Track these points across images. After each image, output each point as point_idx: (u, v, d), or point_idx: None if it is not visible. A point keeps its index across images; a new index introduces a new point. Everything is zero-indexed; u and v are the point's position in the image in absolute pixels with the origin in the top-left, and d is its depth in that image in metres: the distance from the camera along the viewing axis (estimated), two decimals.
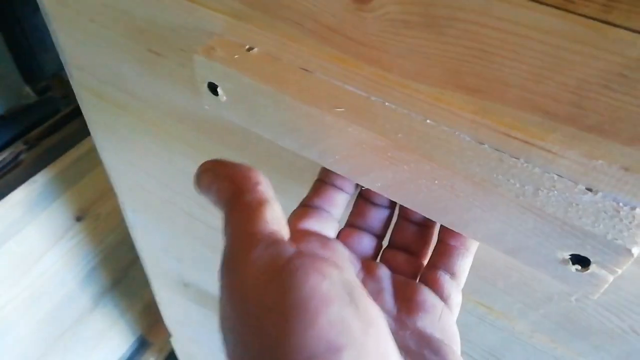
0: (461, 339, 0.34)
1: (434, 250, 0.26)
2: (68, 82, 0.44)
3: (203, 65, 0.27)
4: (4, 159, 0.82)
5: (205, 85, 0.28)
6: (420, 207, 0.25)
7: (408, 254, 0.26)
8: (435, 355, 0.21)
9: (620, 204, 0.21)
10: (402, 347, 0.20)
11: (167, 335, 0.95)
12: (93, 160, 0.88)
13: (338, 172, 0.26)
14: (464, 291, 0.31)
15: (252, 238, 0.18)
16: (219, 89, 0.28)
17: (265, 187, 0.20)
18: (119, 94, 0.40)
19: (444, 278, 0.24)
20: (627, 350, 0.27)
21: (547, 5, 0.18)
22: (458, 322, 0.33)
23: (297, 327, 0.15)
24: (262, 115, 0.27)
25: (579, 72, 0.19)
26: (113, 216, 1.00)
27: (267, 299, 0.16)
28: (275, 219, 0.19)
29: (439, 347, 0.21)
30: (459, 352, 0.22)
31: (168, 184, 0.48)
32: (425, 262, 0.26)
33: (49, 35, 0.40)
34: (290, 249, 0.18)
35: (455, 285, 0.24)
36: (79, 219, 0.95)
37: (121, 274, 1.11)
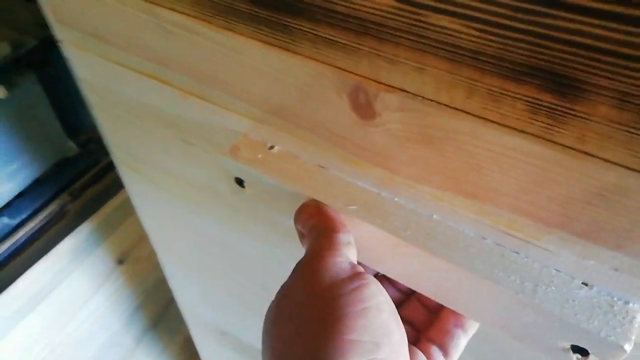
0: None
1: (433, 325, 0.27)
2: None
3: (230, 164, 0.30)
4: (52, 211, 0.88)
5: (233, 179, 0.31)
6: (430, 293, 0.27)
7: (411, 326, 0.28)
8: None
9: (615, 299, 0.23)
10: None
11: None
12: (132, 206, 0.93)
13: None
14: None
15: (338, 250, 0.23)
16: (244, 183, 0.31)
17: (350, 235, 0.25)
18: (153, 171, 0.44)
19: (436, 353, 0.26)
20: None
21: (529, 134, 0.20)
22: None
23: (353, 315, 0.20)
24: (283, 206, 0.30)
25: (563, 190, 0.21)
26: (153, 257, 1.05)
27: (336, 291, 0.21)
28: (353, 257, 0.24)
29: None
30: None
31: (201, 247, 0.51)
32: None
33: None
34: (360, 268, 0.23)
35: None
36: (120, 262, 1.00)
37: (162, 311, 1.16)
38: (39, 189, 0.91)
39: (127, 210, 0.95)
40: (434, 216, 0.26)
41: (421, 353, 0.26)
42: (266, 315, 0.23)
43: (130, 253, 1.01)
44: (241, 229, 0.42)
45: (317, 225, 0.26)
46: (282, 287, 0.24)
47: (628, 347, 0.21)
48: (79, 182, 0.93)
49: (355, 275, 0.22)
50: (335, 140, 0.27)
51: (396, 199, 0.27)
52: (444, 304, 0.27)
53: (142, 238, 1.01)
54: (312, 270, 0.23)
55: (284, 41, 0.25)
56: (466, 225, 0.25)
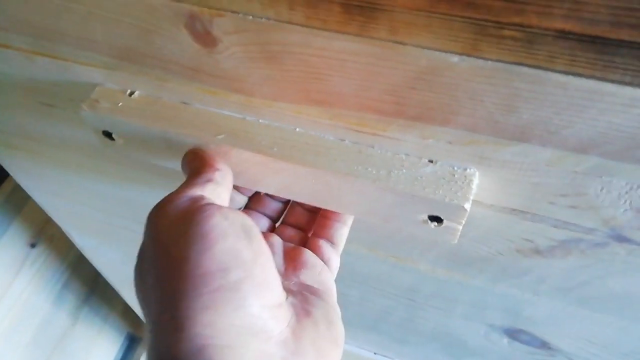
0: (385, 284, 0.40)
1: (317, 224, 0.30)
2: None
3: (92, 117, 0.30)
4: None
5: (100, 133, 0.31)
6: (305, 199, 0.29)
7: (297, 229, 0.31)
8: (311, 294, 0.26)
9: (455, 168, 0.26)
10: (286, 289, 0.25)
11: None
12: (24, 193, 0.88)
13: (235, 186, 0.30)
14: (376, 249, 0.37)
15: (181, 192, 0.24)
16: (113, 135, 0.31)
17: (220, 174, 0.26)
18: (25, 141, 0.42)
19: (325, 245, 0.29)
20: (500, 268, 0.33)
21: (350, 34, 0.22)
22: (380, 272, 0.39)
23: (196, 252, 0.21)
24: (157, 150, 0.31)
25: (390, 80, 0.23)
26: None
27: (178, 232, 0.22)
28: (210, 193, 0.25)
29: (315, 291, 0.27)
30: (333, 300, 0.27)
31: (103, 209, 0.50)
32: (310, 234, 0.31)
33: None
34: (206, 201, 0.24)
35: (335, 252, 0.29)
36: (33, 245, 0.96)
37: (92, 284, 1.14)
38: None
39: (22, 194, 0.90)
40: (297, 129, 0.28)
41: (309, 251, 0.29)
42: (134, 270, 0.24)
43: (41, 234, 0.97)
44: (131, 181, 0.42)
45: (189, 171, 0.27)
46: (143, 238, 0.24)
47: (467, 206, 0.25)
48: None
49: (194, 211, 0.23)
50: (189, 74, 0.27)
51: (260, 120, 0.29)
52: (318, 206, 0.29)
53: (49, 218, 0.97)
54: (156, 216, 0.24)
55: None
56: (325, 132, 0.27)
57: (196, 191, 0.24)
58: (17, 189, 0.89)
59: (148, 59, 0.28)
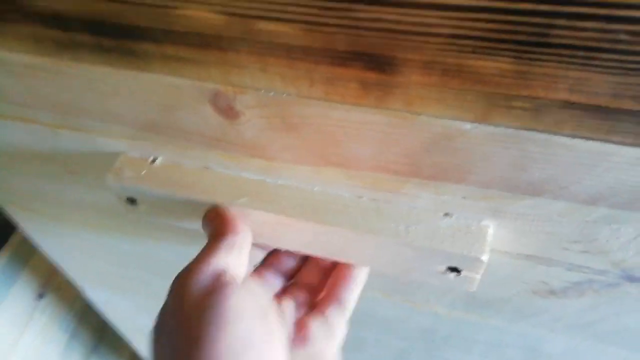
0: (401, 327, 0.40)
1: (329, 284, 0.31)
2: None
3: (117, 186, 0.31)
4: None
5: (124, 200, 0.32)
6: (325, 255, 0.30)
7: (310, 290, 0.31)
8: None
9: (470, 221, 0.27)
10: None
11: None
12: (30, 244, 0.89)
13: (255, 243, 0.31)
14: (393, 294, 0.37)
15: (204, 263, 0.25)
16: (137, 201, 0.32)
17: (241, 238, 0.27)
18: (45, 206, 0.43)
19: (334, 312, 0.30)
20: (517, 309, 0.34)
21: (367, 106, 0.23)
22: (397, 315, 0.40)
23: (213, 333, 0.23)
24: (179, 213, 0.32)
25: (405, 145, 0.24)
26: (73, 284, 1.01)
27: (198, 310, 0.24)
28: (233, 261, 0.26)
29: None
30: None
31: (117, 264, 0.51)
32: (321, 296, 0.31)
33: None
34: (227, 277, 0.25)
35: (343, 317, 0.30)
36: (40, 296, 0.96)
37: (99, 333, 1.13)
38: None
39: (29, 247, 0.91)
40: (315, 189, 0.29)
41: (318, 322, 0.29)
42: (151, 331, 0.25)
43: (48, 285, 0.97)
44: (149, 238, 0.43)
45: (211, 232, 0.28)
46: (164, 302, 0.26)
47: (485, 257, 0.26)
48: None
49: (215, 291, 0.24)
50: (211, 143, 0.29)
51: (279, 182, 0.30)
52: (338, 260, 0.30)
53: (55, 268, 0.97)
54: (181, 286, 0.25)
55: (135, 64, 0.26)
56: (343, 190, 0.29)
57: (219, 262, 0.26)
58: (24, 242, 0.89)
59: (171, 130, 0.29)
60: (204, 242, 0.28)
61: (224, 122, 0.27)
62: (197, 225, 0.31)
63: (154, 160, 0.32)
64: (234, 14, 0.21)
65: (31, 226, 0.50)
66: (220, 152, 0.29)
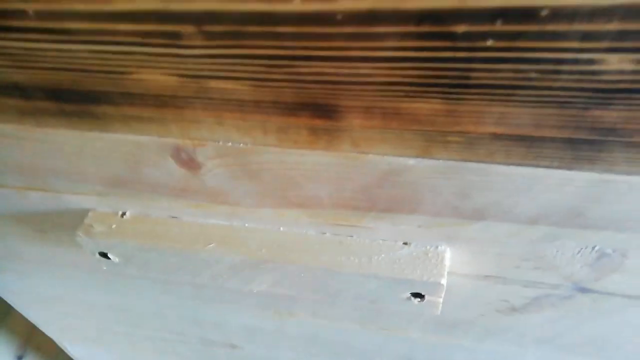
0: (381, 355, 0.41)
1: None
2: None
3: (88, 242, 0.32)
4: None
5: (97, 255, 0.33)
6: (294, 292, 0.31)
7: None
8: None
9: (427, 247, 0.29)
10: None
11: None
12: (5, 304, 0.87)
13: (226, 286, 0.32)
14: (367, 323, 0.38)
15: None
16: (109, 255, 0.33)
17: None
18: (19, 265, 0.44)
19: None
20: (484, 328, 0.35)
21: (319, 149, 0.25)
22: (374, 344, 0.40)
23: None
24: (152, 263, 0.33)
25: (359, 182, 0.26)
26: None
27: None
28: None
29: None
30: None
31: (99, 319, 0.51)
32: None
33: None
34: None
35: None
36: (20, 357, 0.93)
37: None
38: None
39: (5, 307, 0.89)
40: (281, 229, 0.31)
41: None
42: None
43: (27, 345, 0.94)
44: (126, 290, 0.43)
45: None
46: None
47: (444, 281, 0.27)
48: None
49: None
50: (176, 193, 0.30)
51: (246, 225, 0.31)
52: (307, 297, 0.31)
53: (33, 326, 0.95)
54: None
55: (97, 125, 0.27)
56: (307, 228, 0.30)
57: None
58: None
59: (137, 184, 0.30)
60: (181, 291, 0.29)
61: (187, 173, 0.28)
62: (169, 274, 0.32)
63: (123, 214, 0.33)
64: (186, 75, 0.23)
65: (6, 286, 0.50)
66: (186, 202, 0.31)
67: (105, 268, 0.34)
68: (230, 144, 0.26)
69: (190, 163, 0.27)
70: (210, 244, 0.30)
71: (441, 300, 0.28)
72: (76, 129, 0.27)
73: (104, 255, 0.33)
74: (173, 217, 0.32)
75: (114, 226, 0.32)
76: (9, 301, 0.53)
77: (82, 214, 0.33)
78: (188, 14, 0.20)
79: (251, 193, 0.28)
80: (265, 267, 0.30)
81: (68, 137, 0.28)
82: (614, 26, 0.17)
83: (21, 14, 0.21)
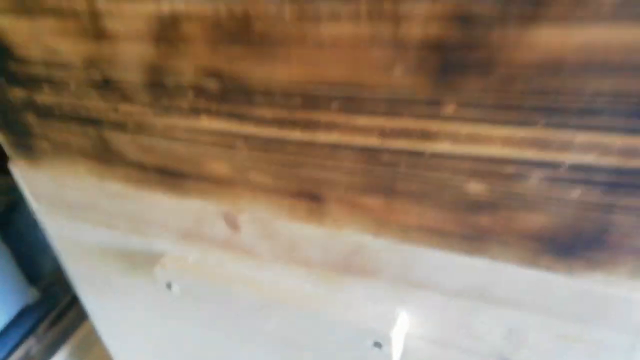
0: None
1: None
2: (64, 278, 0.62)
3: (161, 275, 0.46)
4: (17, 357, 0.97)
5: (166, 286, 0.47)
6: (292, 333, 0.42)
7: None
8: None
9: (387, 308, 0.39)
10: None
11: None
12: (93, 339, 1.03)
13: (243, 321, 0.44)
14: None
15: None
16: (174, 286, 0.46)
17: None
18: (111, 291, 0.59)
19: None
20: None
21: (310, 223, 0.37)
22: None
23: None
24: (203, 295, 0.45)
25: (337, 249, 0.38)
26: None
27: None
28: None
29: None
30: None
31: (169, 352, 0.64)
32: None
33: (46, 240, 0.59)
34: None
35: None
36: None
37: None
38: (5, 338, 0.99)
39: (90, 342, 1.05)
40: (287, 280, 0.43)
41: None
42: None
43: None
44: (188, 323, 0.56)
45: None
46: None
47: (396, 334, 0.37)
48: (42, 325, 1.03)
49: None
50: (224, 245, 0.44)
51: (265, 273, 0.43)
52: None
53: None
54: None
55: (180, 193, 0.42)
56: (305, 280, 0.42)
57: None
58: (85, 339, 1.03)
59: (199, 237, 0.44)
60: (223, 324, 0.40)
61: (232, 232, 0.42)
62: (214, 304, 0.44)
63: (189, 259, 0.47)
64: (236, 169, 0.37)
65: (98, 311, 0.65)
66: (230, 252, 0.44)
67: (171, 295, 0.47)
68: (258, 214, 0.39)
69: (234, 224, 0.41)
70: (237, 284, 0.43)
71: (395, 351, 0.38)
72: (166, 194, 0.43)
73: (169, 286, 0.47)
74: (220, 262, 0.45)
75: (182, 266, 0.46)
76: (96, 326, 0.68)
77: (161, 254, 0.48)
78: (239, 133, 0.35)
79: (270, 250, 0.41)
80: (273, 308, 0.41)
81: (159, 199, 0.43)
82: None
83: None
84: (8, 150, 0.49)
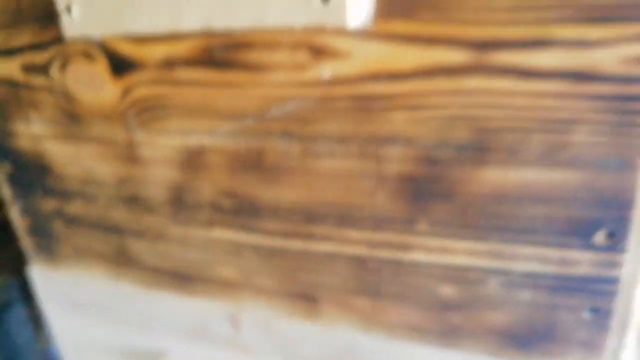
0: None
1: None
2: None
3: None
4: None
5: None
6: None
7: None
8: None
9: None
10: None
11: None
12: None
13: None
14: None
15: None
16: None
17: None
18: None
19: None
20: None
21: (306, 320, 0.42)
22: None
23: None
24: None
25: (330, 343, 0.42)
26: None
27: None
28: None
29: None
30: None
31: None
32: None
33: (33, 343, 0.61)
34: None
35: None
36: None
37: None
38: None
39: None
40: None
41: None
42: None
43: None
44: None
45: None
46: None
47: None
48: None
49: None
50: (226, 343, 0.48)
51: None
52: None
53: None
54: None
55: (187, 292, 0.47)
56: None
57: None
58: None
59: (205, 337, 0.48)
60: None
61: (234, 330, 0.46)
62: None
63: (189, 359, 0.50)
64: (242, 273, 0.43)
65: None
66: (230, 349, 0.48)
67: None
68: (259, 313, 0.44)
69: (236, 324, 0.46)
70: None
71: None
72: (175, 293, 0.47)
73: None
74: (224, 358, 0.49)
75: None
76: None
77: (164, 352, 0.51)
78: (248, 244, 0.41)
79: (269, 346, 0.46)
80: None
81: (168, 298, 0.48)
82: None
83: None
84: (30, 252, 0.54)
